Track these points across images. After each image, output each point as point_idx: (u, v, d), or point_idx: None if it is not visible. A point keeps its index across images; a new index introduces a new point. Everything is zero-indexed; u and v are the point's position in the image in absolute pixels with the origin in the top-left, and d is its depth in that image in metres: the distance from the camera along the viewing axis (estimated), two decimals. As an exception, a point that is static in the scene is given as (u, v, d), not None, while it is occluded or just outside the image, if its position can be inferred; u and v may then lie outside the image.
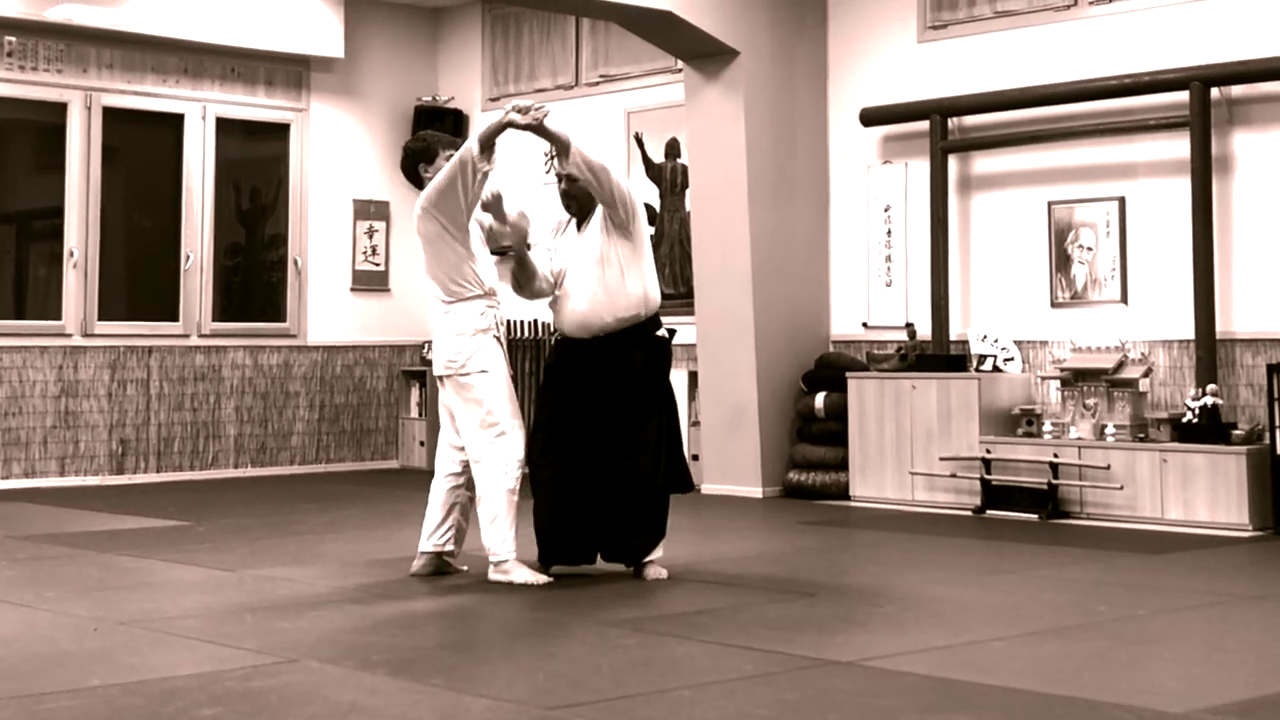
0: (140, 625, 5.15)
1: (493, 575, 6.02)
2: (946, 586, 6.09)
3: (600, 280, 6.03)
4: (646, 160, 10.70)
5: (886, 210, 9.64)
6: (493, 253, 6.31)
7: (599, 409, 6.01)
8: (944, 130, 9.23)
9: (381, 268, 11.90)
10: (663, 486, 6.12)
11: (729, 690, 4.23)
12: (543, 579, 5.99)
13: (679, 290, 10.46)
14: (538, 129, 6.10)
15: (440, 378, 6.20)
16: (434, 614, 5.49)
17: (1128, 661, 4.69)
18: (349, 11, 11.53)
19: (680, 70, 10.02)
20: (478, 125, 11.93)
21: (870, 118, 9.57)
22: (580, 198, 6.12)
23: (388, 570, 6.43)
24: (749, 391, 9.50)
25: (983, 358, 8.89)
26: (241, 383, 11.14)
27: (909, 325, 9.30)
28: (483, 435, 6.01)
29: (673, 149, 10.58)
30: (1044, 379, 8.77)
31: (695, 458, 10.02)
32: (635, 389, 6.05)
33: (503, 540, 5.97)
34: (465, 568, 6.31)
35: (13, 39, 10.14)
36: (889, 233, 9.63)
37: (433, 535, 6.20)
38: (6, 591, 5.86)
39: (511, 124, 6.08)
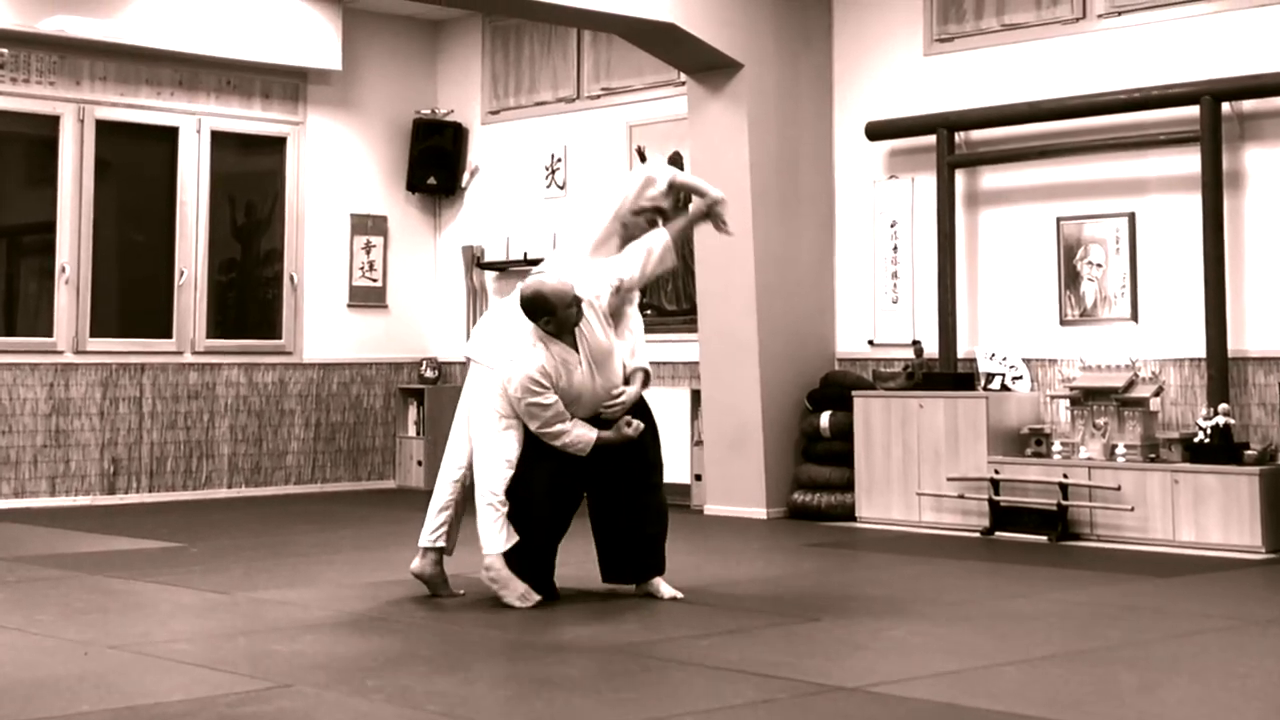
0: (132, 649, 5.14)
1: (483, 575, 6.04)
2: (954, 610, 6.07)
3: (603, 386, 6.08)
4: (648, 175, 10.69)
5: (893, 226, 9.64)
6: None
7: (607, 454, 6.07)
8: (951, 145, 9.24)
9: (379, 284, 11.90)
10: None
11: (732, 716, 4.22)
12: (534, 598, 6.00)
13: (681, 307, 10.47)
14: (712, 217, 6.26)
15: (471, 360, 6.25)
16: (430, 638, 5.48)
17: (1138, 687, 4.67)
18: (347, 23, 11.54)
19: (683, 83, 10.03)
20: (477, 139, 11.95)
21: (876, 132, 9.57)
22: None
23: (384, 593, 6.42)
24: (753, 410, 9.48)
25: (991, 376, 8.88)
26: (236, 401, 11.14)
27: (916, 343, 9.30)
28: (490, 425, 6.03)
29: (675, 163, 10.57)
30: (1053, 398, 8.76)
31: (698, 478, 10.02)
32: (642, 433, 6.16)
33: (491, 535, 5.99)
34: (462, 592, 6.30)
35: (4, 50, 10.15)
36: (895, 249, 9.63)
37: (430, 532, 6.24)
38: (-5, 614, 5.86)
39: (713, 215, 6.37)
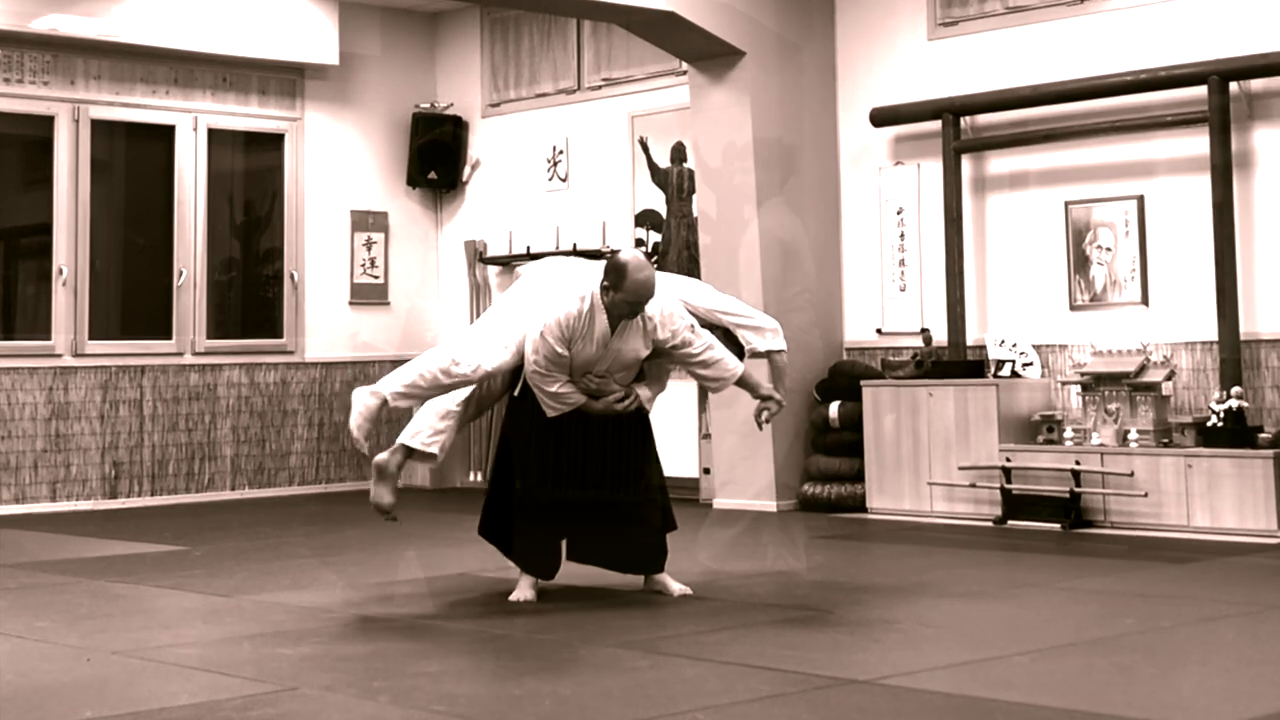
0: (134, 654, 5.14)
1: (379, 460, 6.07)
2: (967, 600, 6.07)
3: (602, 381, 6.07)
4: (652, 165, 10.69)
5: (899, 213, 9.63)
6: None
7: (596, 449, 6.08)
8: (957, 130, 9.22)
9: (381, 280, 11.90)
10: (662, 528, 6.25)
11: (744, 712, 4.21)
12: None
13: (686, 299, 10.44)
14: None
15: (520, 273, 6.34)
16: (436, 638, 5.48)
17: (1154, 675, 4.67)
18: (343, 17, 11.52)
19: (685, 72, 10.02)
20: (477, 132, 11.91)
21: (881, 118, 9.56)
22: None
23: (389, 594, 6.42)
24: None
25: (1000, 363, 8.87)
26: (238, 401, 11.15)
27: (924, 331, 9.29)
28: (472, 338, 6.04)
29: (679, 153, 10.57)
30: (1064, 384, 8.75)
31: (707, 471, 10.01)
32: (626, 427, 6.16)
33: (416, 429, 6.03)
34: (395, 519, 6.20)
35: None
36: (902, 236, 9.61)
37: (424, 434, 6.10)
38: (-2, 621, 5.87)
39: (764, 404, 6.23)
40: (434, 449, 6.11)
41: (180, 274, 10.92)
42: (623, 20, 9.49)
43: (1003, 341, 8.96)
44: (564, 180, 11.33)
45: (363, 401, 5.95)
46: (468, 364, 5.90)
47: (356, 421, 5.95)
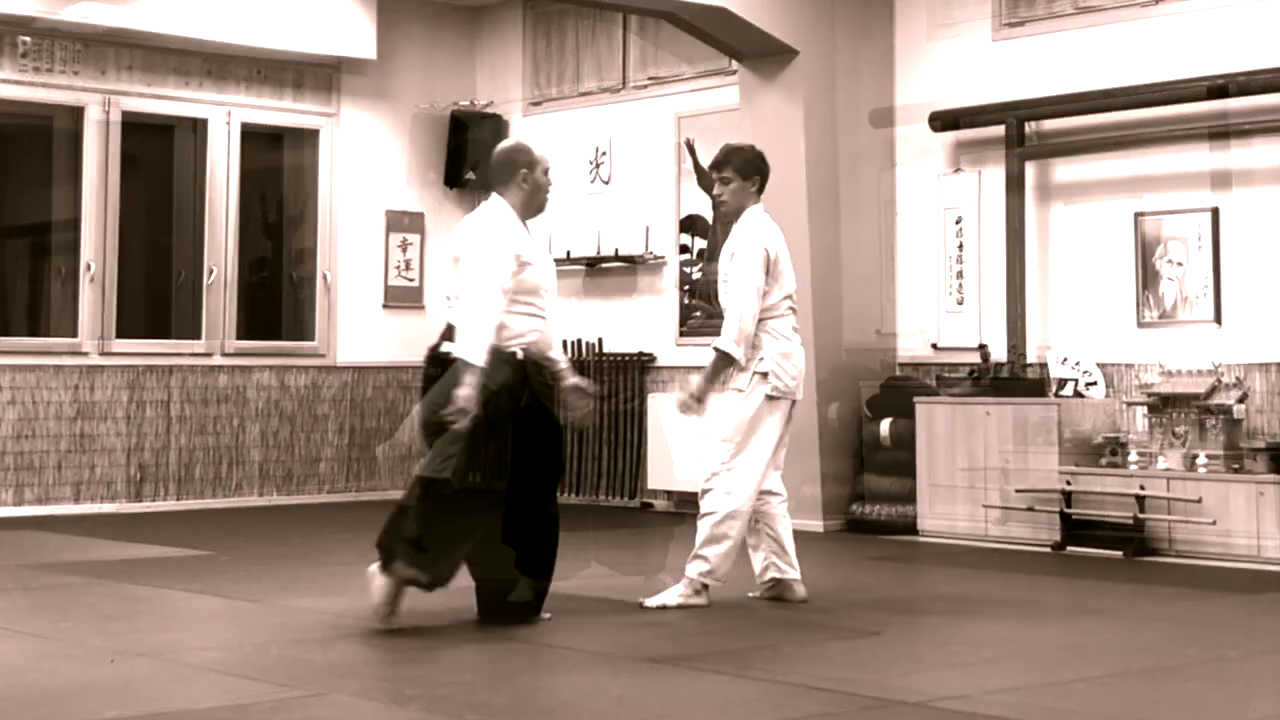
0: (159, 656, 5.19)
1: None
2: (1021, 624, 6.05)
3: None
4: (698, 168, 10.69)
5: (958, 222, 9.60)
6: None
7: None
8: (1021, 135, 9.19)
9: (415, 283, 11.93)
10: None
11: (788, 730, 4.23)
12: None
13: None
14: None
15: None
16: (470, 647, 5.50)
17: (1220, 705, 4.64)
18: (382, 12, 11.55)
19: (734, 72, 10.04)
20: (517, 132, 11.92)
21: (940, 122, 9.54)
22: None
23: (420, 602, 6.44)
24: (808, 418, 9.42)
25: (1063, 381, 8.79)
26: (267, 405, 11.20)
27: (982, 346, 9.23)
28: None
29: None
30: (1129, 405, 8.67)
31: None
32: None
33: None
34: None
35: (26, 39, 10.25)
36: (960, 246, 9.58)
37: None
38: (19, 621, 5.93)
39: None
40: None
41: (210, 272, 10.95)
42: (671, 15, 9.51)
43: (1065, 359, 8.88)
44: (606, 183, 11.36)
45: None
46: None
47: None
